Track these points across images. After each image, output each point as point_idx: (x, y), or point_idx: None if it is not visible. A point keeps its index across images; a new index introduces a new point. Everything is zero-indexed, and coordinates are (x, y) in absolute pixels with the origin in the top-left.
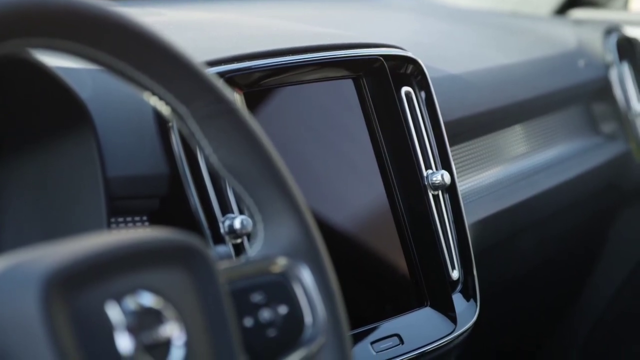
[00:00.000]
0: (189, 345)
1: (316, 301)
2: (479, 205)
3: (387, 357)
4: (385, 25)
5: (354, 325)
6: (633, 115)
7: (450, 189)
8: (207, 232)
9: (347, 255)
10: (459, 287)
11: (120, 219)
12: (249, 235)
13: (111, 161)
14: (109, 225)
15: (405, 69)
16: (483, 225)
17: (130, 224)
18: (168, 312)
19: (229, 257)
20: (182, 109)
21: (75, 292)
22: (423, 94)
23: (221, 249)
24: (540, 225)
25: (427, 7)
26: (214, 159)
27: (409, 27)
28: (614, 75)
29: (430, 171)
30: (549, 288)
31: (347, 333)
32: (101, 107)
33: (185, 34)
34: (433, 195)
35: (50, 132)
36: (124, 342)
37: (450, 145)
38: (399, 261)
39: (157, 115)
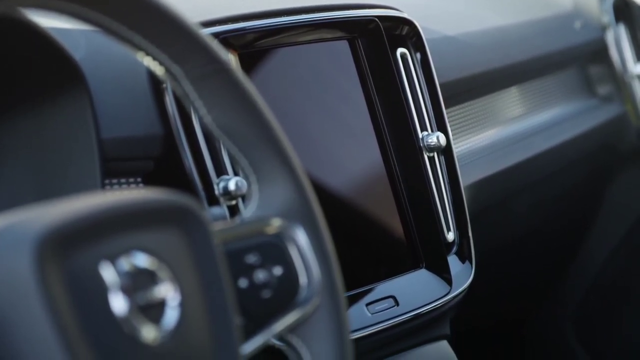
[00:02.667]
0: (183, 306)
1: (311, 262)
2: (475, 167)
3: (382, 319)
4: None
5: (349, 287)
6: (629, 77)
7: (446, 151)
8: (202, 193)
9: (342, 217)
10: (454, 249)
11: (114, 181)
12: (243, 197)
13: (105, 122)
14: (103, 187)
15: (400, 30)
16: (478, 187)
17: (124, 186)
18: (162, 273)
19: (223, 218)
20: (176, 69)
21: (69, 253)
22: (418, 55)
23: (216, 210)
24: (535, 187)
25: None
26: (208, 120)
27: None
28: (610, 37)
29: (425, 133)
30: (544, 250)
31: (342, 294)
32: (95, 68)
33: None
34: (428, 157)
35: (44, 93)
36: (118, 303)
37: (446, 107)
38: (394, 223)
39: (151, 76)
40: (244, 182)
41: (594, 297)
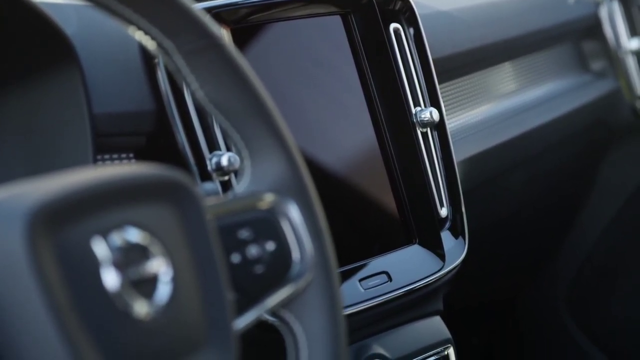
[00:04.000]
0: (175, 281)
1: (304, 237)
2: (468, 143)
3: (376, 295)
4: None
5: (342, 262)
6: (622, 52)
7: (439, 127)
8: (194, 169)
9: (335, 193)
10: (447, 225)
11: (107, 156)
12: (236, 173)
13: (97, 98)
14: (95, 163)
15: (393, 5)
16: (472, 162)
17: (116, 161)
18: (155, 248)
19: (216, 194)
20: (168, 44)
21: (61, 228)
22: (412, 30)
23: (208, 185)
24: (529, 163)
25: None
26: (200, 95)
27: None
28: (603, 13)
29: (418, 108)
30: (537, 225)
31: (335, 270)
32: (86, 43)
33: None
34: (422, 132)
35: (35, 69)
36: (110, 278)
37: (439, 83)
38: (388, 199)
39: (143, 51)
40: (237, 157)
41: (587, 274)
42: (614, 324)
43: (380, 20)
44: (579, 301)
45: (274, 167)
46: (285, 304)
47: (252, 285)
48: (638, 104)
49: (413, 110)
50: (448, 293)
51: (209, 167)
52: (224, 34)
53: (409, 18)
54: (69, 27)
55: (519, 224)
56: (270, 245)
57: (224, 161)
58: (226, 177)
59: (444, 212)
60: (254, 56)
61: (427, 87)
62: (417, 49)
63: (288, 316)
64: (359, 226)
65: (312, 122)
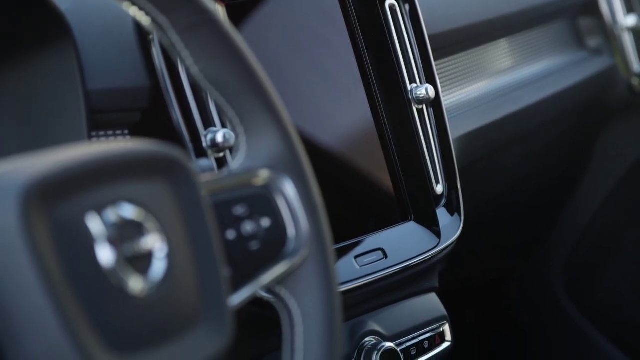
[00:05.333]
0: (170, 257)
1: (299, 214)
2: (464, 120)
3: (371, 271)
4: None
5: (337, 239)
6: (619, 29)
7: (435, 103)
8: (189, 145)
9: (331, 169)
10: (443, 202)
11: (101, 133)
12: (231, 149)
13: (91, 74)
14: (89, 139)
15: None
16: (467, 139)
17: (111, 138)
18: (149, 224)
19: (211, 170)
20: (163, 19)
21: (55, 204)
22: (407, 6)
23: (203, 162)
24: (524, 140)
25: None
26: (195, 71)
27: None
28: None
29: (414, 85)
30: (533, 202)
31: (331, 246)
32: (81, 19)
33: None
34: (417, 109)
35: (29, 45)
36: (105, 254)
37: (435, 60)
38: (383, 176)
39: (138, 27)
40: (232, 134)
41: (583, 251)
42: (611, 301)
43: None
44: (575, 278)
45: (269, 143)
46: (281, 280)
47: (247, 261)
48: (634, 80)
49: (409, 87)
50: (444, 270)
51: (204, 144)
52: (219, 10)
53: None
54: (64, 3)
55: (515, 201)
56: (266, 222)
57: (219, 138)
58: (221, 154)
59: (439, 189)
60: (249, 32)
61: (422, 63)
62: (412, 25)
63: (283, 292)
64: (354, 203)
65: (308, 98)
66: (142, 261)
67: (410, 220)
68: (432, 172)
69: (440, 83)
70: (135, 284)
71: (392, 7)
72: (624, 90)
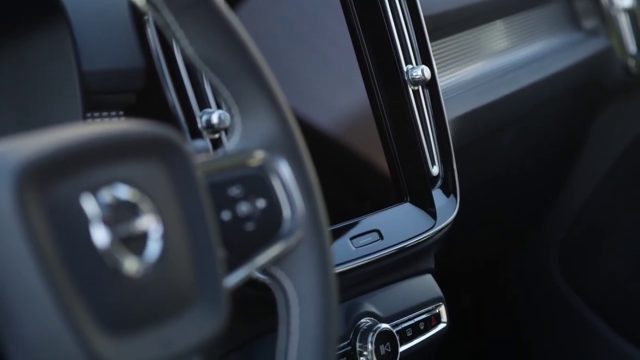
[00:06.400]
0: (165, 238)
1: (294, 195)
2: (460, 101)
3: (367, 253)
4: None
5: (333, 220)
6: (615, 10)
7: (431, 84)
8: (185, 126)
9: (326, 151)
10: (438, 183)
11: (96, 114)
12: (226, 130)
13: (86, 55)
14: (84, 120)
15: None
16: (463, 120)
17: (106, 119)
18: (144, 205)
19: (206, 151)
20: (157, 0)
21: (50, 184)
22: None
23: (198, 143)
24: (520, 121)
25: None
26: (190, 51)
27: None
28: None
29: (410, 66)
30: (529, 184)
31: (326, 227)
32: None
33: None
34: (413, 90)
35: (24, 25)
36: (100, 235)
37: (431, 41)
38: (379, 157)
39: (133, 7)
40: (227, 115)
41: (579, 233)
42: (607, 283)
43: None
44: (571, 261)
45: (265, 124)
46: (276, 261)
47: (242, 242)
48: (630, 62)
49: (404, 68)
50: (439, 253)
51: (199, 125)
52: None
53: None
54: None
55: (511, 182)
56: (261, 203)
57: (215, 119)
58: (217, 135)
59: (435, 170)
60: (243, 13)
61: (418, 44)
62: (408, 6)
63: (279, 274)
64: (350, 184)
65: (303, 79)
66: (137, 242)
67: (406, 202)
68: (428, 153)
69: (436, 64)
70: (130, 265)
71: None
72: (620, 72)
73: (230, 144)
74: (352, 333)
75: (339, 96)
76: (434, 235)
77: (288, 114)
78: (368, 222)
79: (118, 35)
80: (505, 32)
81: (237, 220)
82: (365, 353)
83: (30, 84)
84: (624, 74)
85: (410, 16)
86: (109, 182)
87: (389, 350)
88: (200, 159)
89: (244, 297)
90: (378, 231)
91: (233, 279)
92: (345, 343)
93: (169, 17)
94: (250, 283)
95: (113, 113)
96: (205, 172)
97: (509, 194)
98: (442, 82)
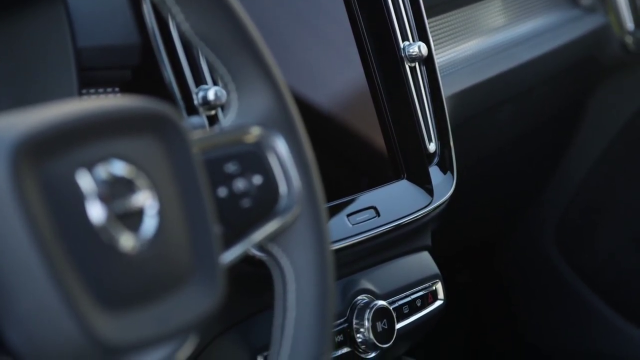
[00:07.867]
0: (161, 214)
1: (291, 171)
2: (456, 78)
3: (363, 230)
4: None
5: (329, 197)
6: None
7: (427, 61)
8: (181, 103)
9: (323, 128)
10: (435, 160)
11: (92, 90)
12: (223, 107)
13: (82, 31)
14: (80, 96)
15: None
16: (460, 97)
17: (101, 95)
18: (140, 181)
19: (202, 127)
20: None
21: (45, 160)
22: None
23: (195, 119)
24: (517, 98)
25: None
26: (186, 27)
27: None
28: None
29: (407, 43)
30: (525, 162)
31: (323, 204)
32: None
33: None
34: (410, 67)
35: (19, 2)
36: (96, 211)
37: (428, 17)
38: (376, 134)
39: None
40: (223, 91)
41: (576, 210)
42: (604, 260)
43: None
44: (568, 238)
45: (261, 100)
46: (273, 237)
47: (239, 219)
48: (627, 39)
49: (401, 45)
50: (436, 231)
51: (195, 101)
52: None
53: None
54: None
55: (508, 159)
56: (257, 179)
57: (211, 95)
58: (213, 112)
59: (432, 147)
60: None
61: (415, 21)
62: None
63: (275, 250)
64: (346, 161)
65: (300, 56)
66: (133, 218)
67: (402, 179)
68: (425, 130)
69: (433, 41)
70: (126, 241)
71: None
72: (617, 49)
73: (227, 120)
74: (349, 310)
75: (336, 73)
76: (430, 212)
77: (284, 90)
78: (365, 199)
79: (113, 11)
80: (502, 8)
81: (234, 196)
82: (362, 330)
83: (26, 60)
84: (621, 51)
85: None
86: (105, 158)
87: (386, 327)
88: (196, 135)
89: (240, 274)
90: (375, 208)
91: (229, 256)
92: (342, 320)
93: None
94: (246, 260)
95: (109, 89)
96: (202, 149)
97: (506, 171)
98: (439, 59)
